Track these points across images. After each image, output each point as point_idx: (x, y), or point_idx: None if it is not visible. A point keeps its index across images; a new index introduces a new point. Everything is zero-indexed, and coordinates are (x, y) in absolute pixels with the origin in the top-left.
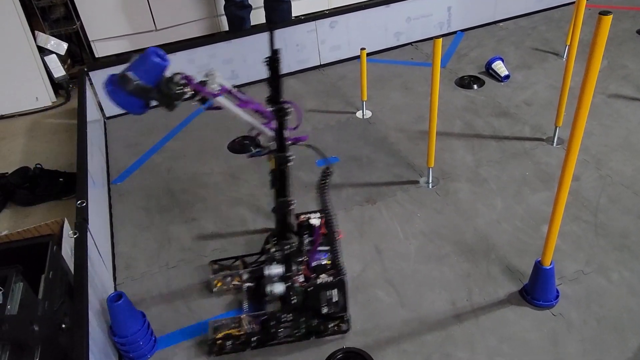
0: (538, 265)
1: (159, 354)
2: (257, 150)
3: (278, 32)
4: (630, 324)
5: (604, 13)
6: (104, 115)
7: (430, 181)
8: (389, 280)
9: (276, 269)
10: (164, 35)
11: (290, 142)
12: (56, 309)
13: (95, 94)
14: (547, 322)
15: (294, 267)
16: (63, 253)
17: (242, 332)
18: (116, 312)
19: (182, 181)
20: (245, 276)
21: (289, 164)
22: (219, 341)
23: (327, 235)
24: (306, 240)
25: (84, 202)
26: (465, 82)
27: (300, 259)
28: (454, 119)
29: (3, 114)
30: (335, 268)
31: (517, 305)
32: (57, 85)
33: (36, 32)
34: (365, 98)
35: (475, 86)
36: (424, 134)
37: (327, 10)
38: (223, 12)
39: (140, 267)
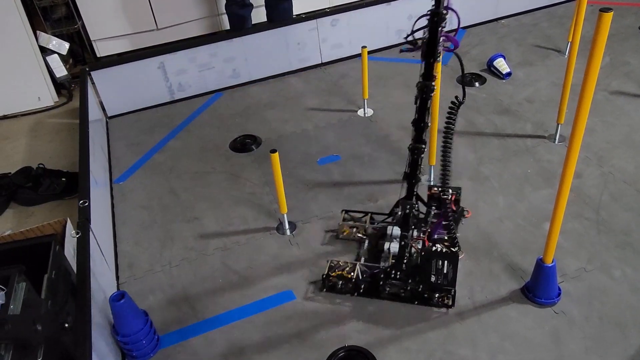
0: (540, 263)
1: (162, 352)
2: (409, 47)
3: (279, 31)
4: (633, 321)
5: (605, 10)
6: (106, 114)
7: (432, 179)
8: None
9: (398, 231)
10: (165, 34)
11: (441, 50)
12: (59, 309)
13: (97, 93)
14: (549, 319)
15: (415, 233)
16: (66, 253)
17: (353, 277)
18: (118, 311)
19: (183, 180)
20: (369, 231)
21: (431, 94)
22: (333, 279)
23: (456, 209)
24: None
25: (86, 202)
26: (466, 80)
27: (424, 229)
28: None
29: (6, 114)
30: (454, 243)
31: (519, 303)
32: (59, 85)
33: (38, 32)
34: (366, 96)
35: (476, 84)
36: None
37: (328, 8)
38: (224, 11)
39: (142, 266)
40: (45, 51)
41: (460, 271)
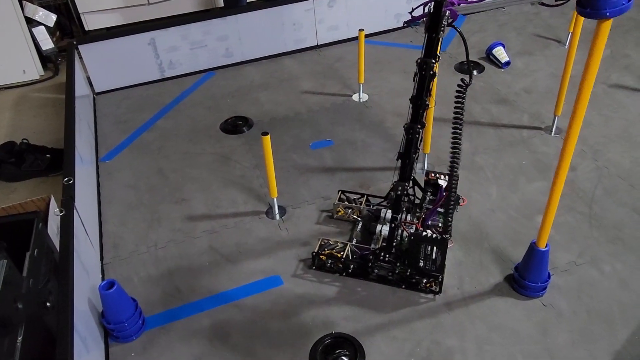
0: (533, 247)
1: (147, 334)
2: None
3: (274, 10)
4: (620, 316)
5: None
6: (93, 90)
7: (425, 168)
8: None
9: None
10: (156, 9)
11: (445, 25)
12: (41, 287)
13: (85, 68)
14: (537, 311)
15: (408, 218)
16: (49, 231)
17: (343, 257)
18: (108, 300)
19: (172, 161)
20: (364, 212)
21: (431, 72)
22: (323, 257)
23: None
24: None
25: (71, 179)
26: (464, 68)
27: (418, 214)
28: (451, 105)
29: None
30: (444, 228)
31: (507, 294)
32: (45, 58)
33: (24, 2)
34: (362, 81)
35: (475, 72)
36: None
37: None
38: None
39: (128, 246)
40: (31, 22)
41: (450, 261)
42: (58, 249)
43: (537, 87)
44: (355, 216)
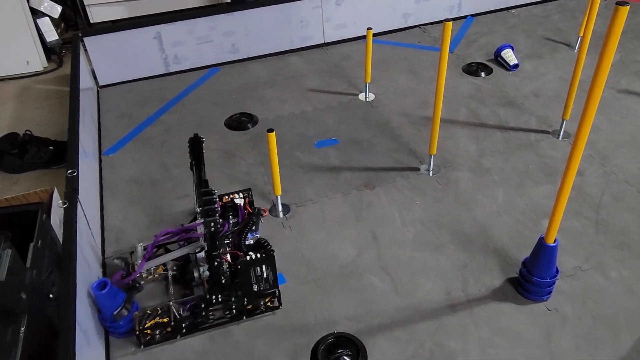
0: (541, 242)
1: None
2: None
3: (282, 7)
4: (626, 322)
5: (622, 4)
6: (97, 83)
7: (431, 169)
8: (383, 267)
9: (203, 253)
10: (163, 3)
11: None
12: (44, 278)
13: (89, 61)
14: (541, 316)
15: (221, 248)
16: (52, 223)
17: (169, 320)
18: (101, 300)
19: (176, 156)
20: (170, 263)
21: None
22: (148, 331)
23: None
24: (232, 221)
25: (74, 172)
26: (472, 69)
27: (227, 241)
28: (459, 107)
29: None
30: (263, 245)
31: (512, 297)
32: (49, 50)
33: None
34: (369, 80)
35: (482, 74)
36: (428, 120)
37: None
38: None
39: (130, 241)
40: (36, 13)
41: (455, 263)
42: (61, 241)
43: (545, 90)
44: (160, 271)
